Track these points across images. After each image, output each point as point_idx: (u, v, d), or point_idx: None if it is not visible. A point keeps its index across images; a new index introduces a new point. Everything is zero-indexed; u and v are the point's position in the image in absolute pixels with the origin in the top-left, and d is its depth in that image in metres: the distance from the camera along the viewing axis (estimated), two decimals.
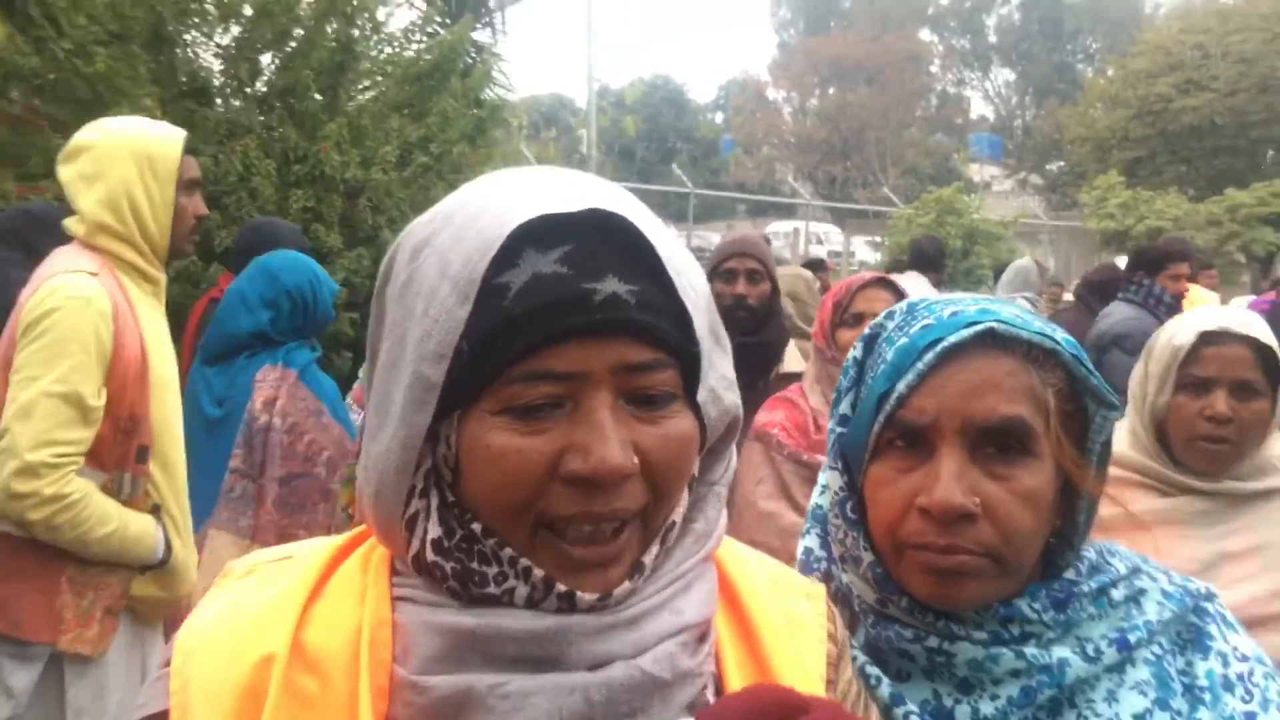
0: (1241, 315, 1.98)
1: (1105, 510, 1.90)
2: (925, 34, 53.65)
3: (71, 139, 2.52)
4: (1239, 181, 24.66)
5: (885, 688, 1.05)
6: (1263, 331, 1.94)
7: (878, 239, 21.10)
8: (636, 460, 0.73)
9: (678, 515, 0.81)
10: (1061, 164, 40.78)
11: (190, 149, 2.62)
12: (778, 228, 28.61)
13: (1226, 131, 28.79)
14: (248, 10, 4.72)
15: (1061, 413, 1.04)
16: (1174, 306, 5.18)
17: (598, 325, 0.72)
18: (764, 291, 3.39)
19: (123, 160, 2.48)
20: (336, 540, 0.88)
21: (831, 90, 49.20)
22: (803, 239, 22.15)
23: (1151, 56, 30.80)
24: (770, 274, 3.49)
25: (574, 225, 0.73)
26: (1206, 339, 1.92)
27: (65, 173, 2.51)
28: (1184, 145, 29.45)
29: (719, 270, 3.47)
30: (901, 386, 1.03)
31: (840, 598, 1.14)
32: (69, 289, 2.33)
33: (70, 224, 2.52)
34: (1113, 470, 1.95)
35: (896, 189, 30.95)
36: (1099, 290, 5.46)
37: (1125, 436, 2.05)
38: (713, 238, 24.25)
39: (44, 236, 3.00)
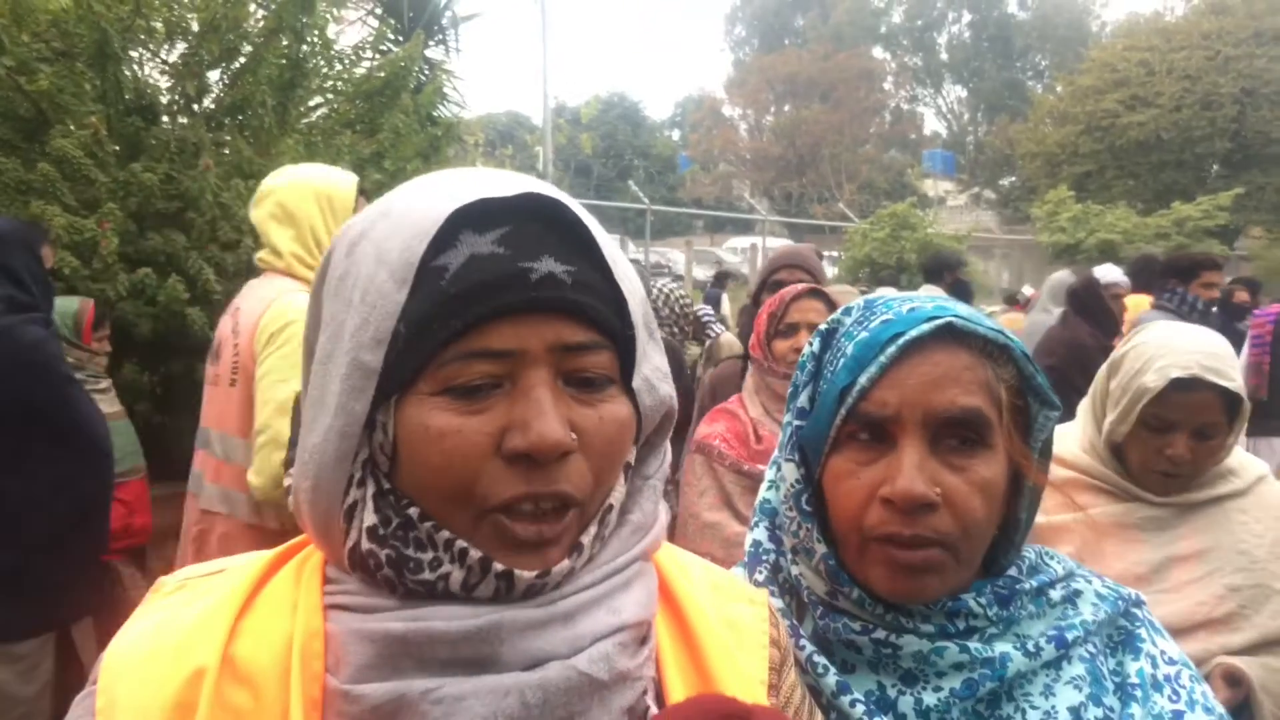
0: (1214, 357, 1.89)
1: (1061, 515, 1.95)
2: (878, 52, 54.46)
3: (261, 185, 2.95)
4: (1185, 195, 25.27)
5: (831, 677, 1.07)
6: (1232, 373, 1.88)
7: (834, 253, 21.27)
8: (574, 436, 0.74)
9: (615, 500, 0.81)
10: (1013, 179, 41.48)
11: (361, 189, 3.01)
12: (735, 243, 28.81)
13: (1172, 146, 29.45)
14: (195, 26, 4.67)
15: (1012, 407, 1.07)
16: (1206, 313, 5.38)
17: (534, 303, 0.72)
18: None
19: (309, 202, 2.89)
20: (269, 554, 0.86)
21: (787, 107, 49.71)
22: (760, 254, 22.29)
23: (1098, 74, 31.47)
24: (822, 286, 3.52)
25: (511, 208, 0.74)
26: (1177, 385, 1.87)
27: (256, 214, 2.93)
28: (1131, 160, 30.07)
29: (769, 282, 3.49)
30: (863, 380, 1.05)
31: (788, 588, 1.15)
32: (302, 303, 2.66)
33: (265, 257, 2.93)
34: (1067, 473, 2.03)
35: (852, 204, 31.30)
36: (1083, 303, 5.53)
37: (1081, 441, 2.08)
38: (671, 254, 24.33)
39: (16, 254, 3.00)
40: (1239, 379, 1.89)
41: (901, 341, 1.04)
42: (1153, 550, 1.94)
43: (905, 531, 1.02)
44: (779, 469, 1.18)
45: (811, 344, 1.16)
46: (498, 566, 0.73)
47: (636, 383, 0.80)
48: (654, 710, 0.79)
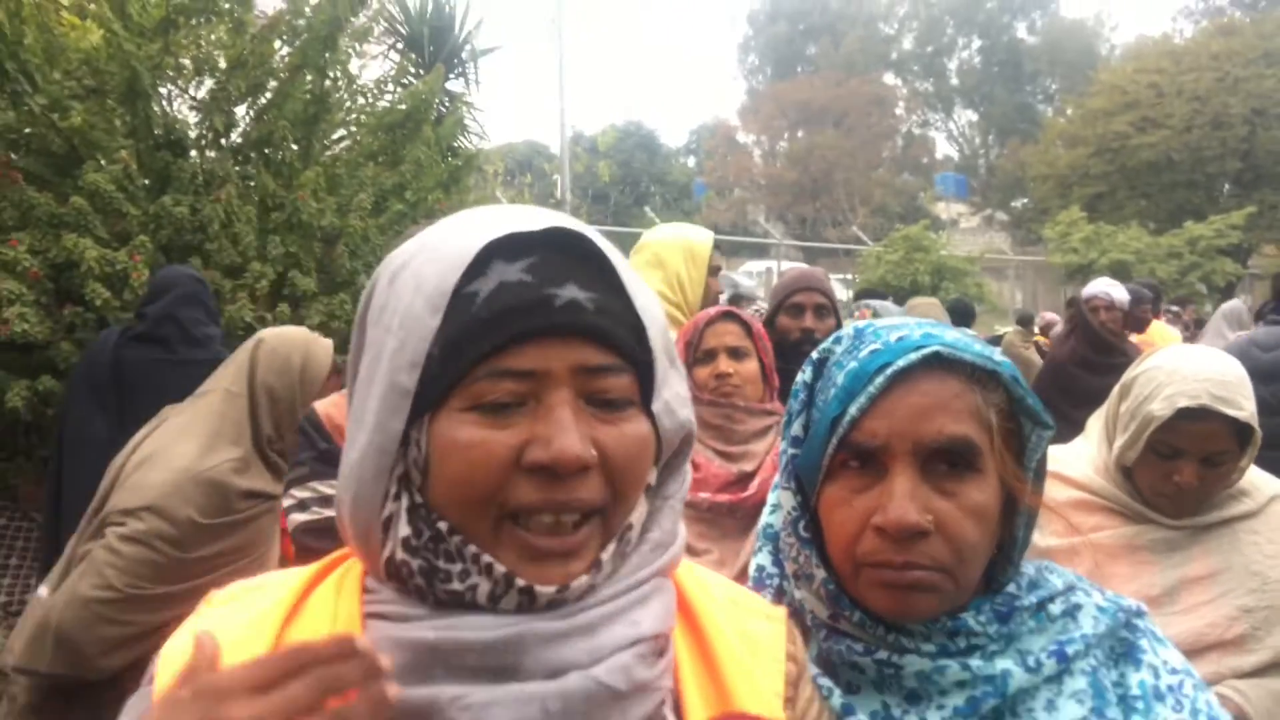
0: (1224, 386, 1.84)
1: (1072, 539, 1.95)
2: (889, 78, 54.51)
3: (641, 239, 3.72)
4: (1197, 214, 25.10)
5: (836, 699, 1.08)
6: (1242, 400, 1.84)
7: (848, 276, 21.29)
8: (595, 453, 0.79)
9: (635, 519, 0.86)
10: (1025, 201, 41.32)
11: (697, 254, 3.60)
12: (750, 267, 28.79)
13: (1183, 167, 29.31)
14: (223, 63, 4.78)
15: (1003, 430, 1.08)
16: None
17: (558, 327, 0.78)
18: (831, 326, 3.35)
19: (675, 252, 3.57)
20: (313, 567, 0.92)
21: (800, 133, 49.78)
22: (775, 278, 22.30)
23: (1108, 96, 31.39)
24: (836, 308, 3.49)
25: (539, 240, 0.81)
26: (1185, 414, 1.84)
27: (634, 261, 3.50)
28: (1142, 181, 29.93)
29: (785, 305, 3.45)
30: (853, 410, 1.07)
31: (792, 613, 1.16)
32: None
33: None
34: (1079, 494, 2.03)
35: (865, 227, 31.28)
36: (1072, 320, 5.43)
37: (1095, 461, 2.07)
38: None
39: (210, 298, 3.77)
40: (1250, 406, 1.85)
41: (889, 372, 1.06)
42: (1164, 572, 1.93)
43: (898, 559, 1.04)
44: (778, 495, 1.21)
45: (804, 373, 1.19)
46: (520, 582, 0.78)
47: (657, 406, 0.85)
48: None
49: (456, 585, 0.79)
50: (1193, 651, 1.82)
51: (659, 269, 3.53)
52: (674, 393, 0.88)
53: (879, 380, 1.06)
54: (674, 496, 0.91)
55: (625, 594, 0.83)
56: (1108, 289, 6.21)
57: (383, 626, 0.80)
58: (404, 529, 0.80)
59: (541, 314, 0.78)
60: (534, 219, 0.83)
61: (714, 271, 3.71)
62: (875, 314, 5.15)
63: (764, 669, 0.89)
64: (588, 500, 0.79)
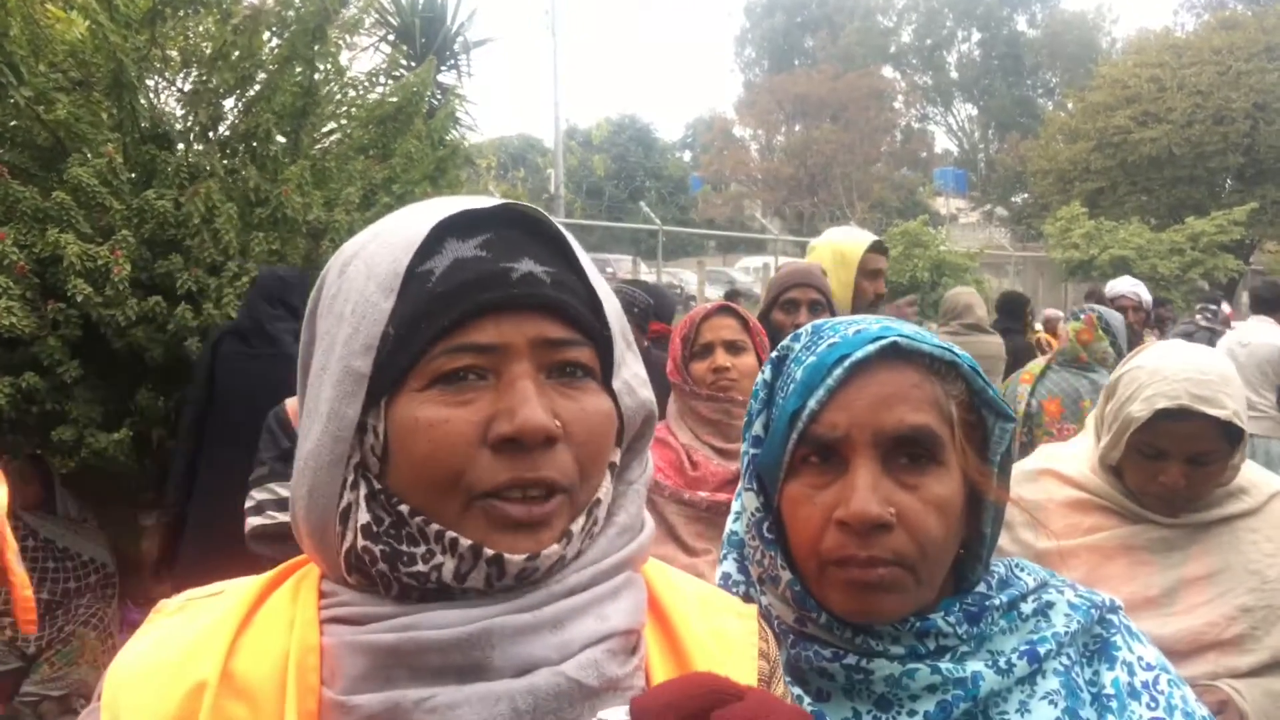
0: (1205, 385, 1.81)
1: (1069, 540, 1.93)
2: (888, 71, 54.42)
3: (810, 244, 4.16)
4: (1198, 210, 25.14)
5: (806, 707, 1.07)
6: (1225, 399, 1.80)
7: None
8: (559, 424, 0.77)
9: (603, 496, 0.84)
10: (1025, 196, 41.37)
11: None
12: (747, 263, 28.82)
13: (1184, 162, 29.31)
14: (209, 55, 4.72)
15: (965, 423, 1.08)
16: None
17: (516, 300, 0.78)
18: None
19: (824, 256, 3.98)
20: (269, 574, 0.89)
21: (797, 127, 49.75)
22: (772, 274, 22.30)
23: (1109, 90, 31.38)
24: (831, 305, 3.50)
25: (492, 217, 0.81)
26: (1165, 415, 1.82)
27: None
28: (1144, 176, 29.94)
29: (780, 301, 3.47)
30: (812, 403, 1.06)
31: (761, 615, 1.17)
32: None
33: None
34: (1076, 494, 2.02)
35: (864, 223, 31.29)
36: None
37: (1091, 460, 2.05)
38: (683, 274, 24.36)
39: (295, 296, 3.92)
40: (1235, 404, 1.81)
41: (847, 363, 1.06)
42: (1162, 572, 1.91)
43: (861, 554, 1.03)
44: (741, 499, 1.19)
45: (763, 372, 1.18)
46: (488, 551, 0.75)
47: (617, 385, 0.85)
48: None
49: (420, 567, 0.76)
50: (1191, 652, 1.82)
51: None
52: (633, 373, 0.88)
53: (837, 372, 1.06)
54: (637, 481, 0.90)
55: (593, 585, 0.81)
56: (1134, 288, 6.21)
57: (341, 631, 0.78)
58: (363, 516, 0.78)
59: (499, 287, 0.77)
60: (484, 200, 0.83)
61: (873, 275, 3.95)
62: None
63: (737, 667, 0.88)
64: (555, 478, 0.77)
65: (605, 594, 0.81)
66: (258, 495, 2.19)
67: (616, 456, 0.86)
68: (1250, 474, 1.98)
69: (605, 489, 0.85)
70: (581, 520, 0.81)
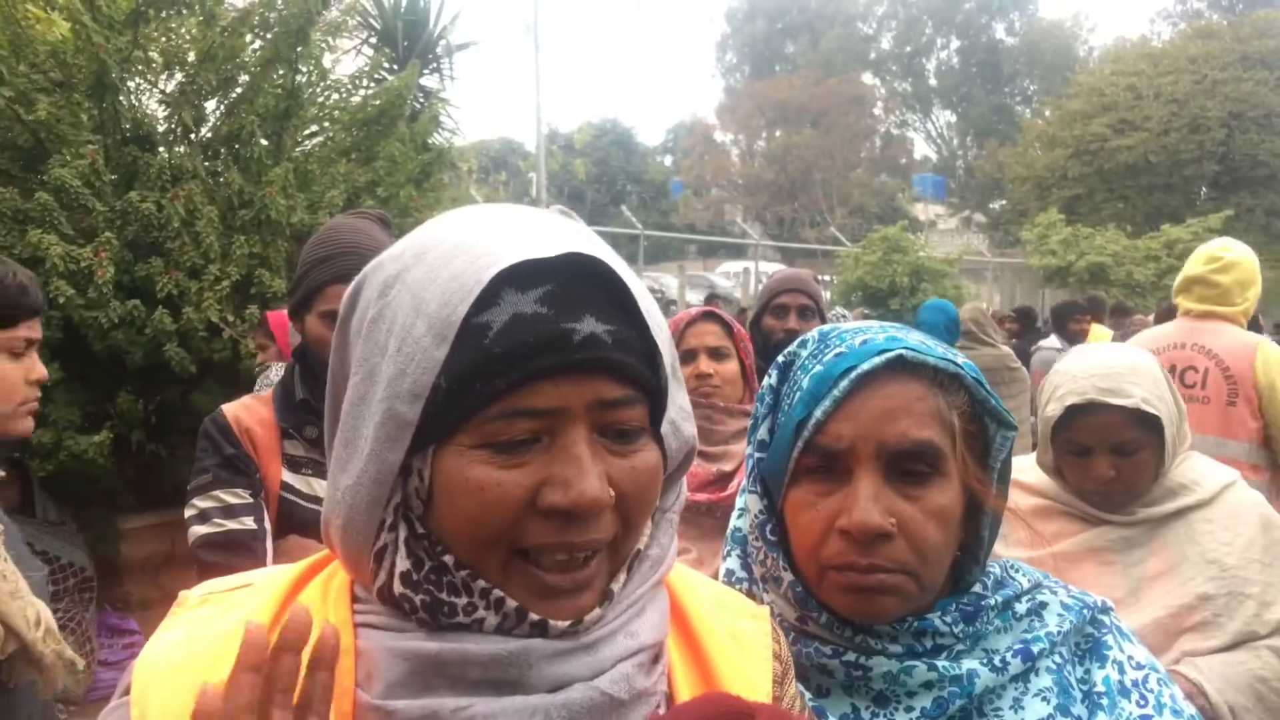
0: (1111, 378, 1.91)
1: (1034, 551, 1.96)
2: (868, 78, 54.75)
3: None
4: (1174, 217, 25.38)
5: (807, 703, 1.07)
6: (1132, 389, 1.89)
7: (826, 277, 21.33)
8: (612, 492, 0.75)
9: (643, 544, 0.84)
10: (1003, 202, 41.65)
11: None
12: (728, 268, 28.88)
13: (1160, 169, 29.63)
14: (192, 57, 4.70)
15: (966, 433, 1.10)
16: None
17: (577, 364, 0.74)
18: (814, 328, 3.40)
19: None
20: (295, 568, 0.89)
21: (778, 133, 49.92)
22: (753, 278, 22.34)
23: (1086, 98, 31.69)
24: (821, 310, 3.52)
25: (553, 268, 0.75)
26: (1076, 411, 1.92)
27: None
28: (1120, 183, 30.24)
29: (770, 306, 3.48)
30: (818, 413, 1.08)
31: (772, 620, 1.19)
32: None
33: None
34: (1038, 501, 2.05)
35: (844, 228, 31.41)
36: None
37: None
38: (664, 278, 24.37)
39: None
40: (1143, 392, 1.89)
41: (854, 375, 1.07)
42: (1125, 571, 1.96)
43: (862, 561, 1.05)
44: (745, 499, 1.21)
45: (769, 377, 1.19)
46: (533, 616, 0.75)
47: (664, 427, 0.84)
48: None
49: (462, 619, 0.76)
50: (1157, 642, 1.85)
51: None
52: (678, 408, 0.87)
53: (844, 384, 1.07)
54: (671, 509, 0.90)
55: (625, 611, 0.82)
56: None
57: (377, 636, 0.78)
58: (403, 562, 0.77)
59: (560, 351, 0.73)
60: (544, 239, 0.76)
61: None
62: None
63: (753, 668, 0.89)
64: (601, 539, 0.77)
65: (634, 613, 0.82)
66: (201, 503, 2.15)
67: (659, 499, 0.85)
68: (1201, 467, 2.04)
69: (646, 534, 0.85)
70: (623, 576, 0.82)
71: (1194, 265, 3.85)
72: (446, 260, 0.76)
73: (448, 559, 0.76)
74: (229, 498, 2.15)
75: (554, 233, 0.78)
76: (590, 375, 0.75)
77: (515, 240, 0.76)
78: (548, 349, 0.73)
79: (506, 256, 0.74)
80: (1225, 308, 3.73)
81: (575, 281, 0.76)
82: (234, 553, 2.07)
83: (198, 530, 2.14)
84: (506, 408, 0.73)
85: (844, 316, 10.40)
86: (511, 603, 0.75)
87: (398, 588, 0.77)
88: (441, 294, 0.74)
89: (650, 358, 0.80)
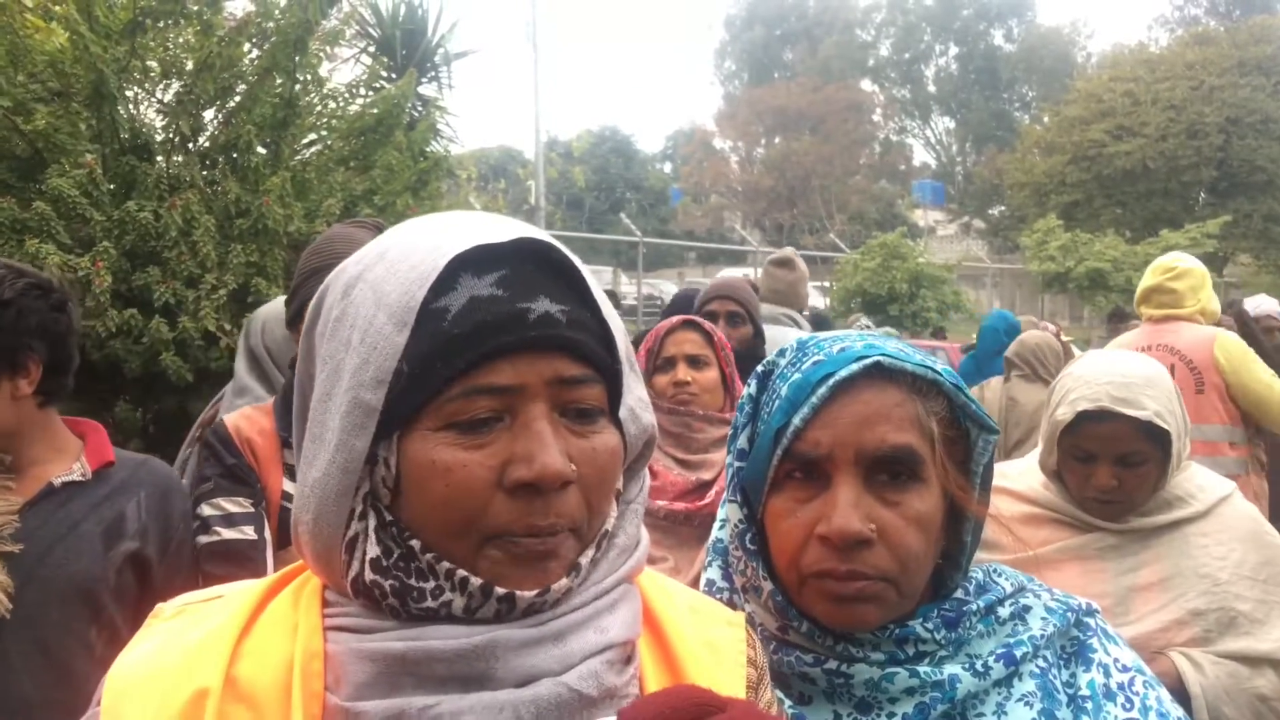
0: (1126, 387, 1.88)
1: (1021, 554, 1.95)
2: (866, 84, 54.82)
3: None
4: (1172, 223, 25.44)
5: (788, 710, 1.09)
6: (1146, 400, 1.87)
7: (825, 284, 21.34)
8: (574, 468, 0.78)
9: (610, 525, 0.85)
10: (1002, 208, 41.70)
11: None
12: (727, 274, 28.82)
13: (1159, 175, 29.66)
14: (189, 66, 4.71)
15: (945, 439, 1.10)
16: None
17: (532, 341, 0.77)
18: (744, 334, 3.44)
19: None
20: (267, 579, 0.90)
21: (777, 140, 49.96)
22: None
23: (1084, 104, 31.74)
24: (753, 317, 3.53)
25: (507, 253, 0.79)
26: (1087, 417, 1.90)
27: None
28: (1119, 189, 30.27)
29: (701, 312, 3.49)
30: (797, 420, 1.08)
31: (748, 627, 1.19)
32: None
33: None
34: (1026, 508, 2.04)
35: (843, 235, 31.42)
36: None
37: (1042, 475, 2.09)
38: (664, 285, 24.40)
39: None
40: (1157, 405, 1.87)
41: (831, 382, 1.07)
42: (1115, 578, 1.95)
43: (841, 568, 1.05)
44: (725, 509, 1.22)
45: (749, 386, 1.19)
46: (499, 590, 0.76)
47: (622, 413, 0.86)
48: None
49: (430, 603, 0.77)
50: (1146, 657, 1.82)
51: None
52: (636, 397, 0.89)
53: (821, 390, 1.07)
54: (635, 500, 0.91)
55: (594, 601, 0.82)
56: (1276, 307, 6.42)
57: (346, 639, 0.78)
58: (372, 549, 0.78)
59: (517, 329, 0.77)
60: (498, 229, 0.81)
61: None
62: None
63: (726, 675, 0.89)
64: (566, 518, 0.78)
65: (604, 607, 0.83)
66: (202, 511, 2.15)
67: (620, 483, 0.87)
68: (1198, 478, 2.02)
69: (611, 518, 0.86)
70: (590, 552, 0.82)
71: (1151, 277, 4.32)
72: (405, 255, 0.80)
73: (414, 544, 0.77)
74: (231, 506, 2.15)
75: (506, 225, 0.82)
76: (547, 353, 0.78)
77: (468, 230, 0.80)
78: (504, 328, 0.76)
79: (461, 243, 0.78)
80: (1181, 310, 4.18)
81: (529, 266, 0.80)
82: (235, 562, 2.08)
83: (199, 539, 2.14)
84: (467, 386, 0.76)
85: (868, 327, 10.27)
86: (476, 580, 0.76)
87: (369, 575, 0.78)
88: (401, 284, 0.78)
89: (605, 340, 0.83)
